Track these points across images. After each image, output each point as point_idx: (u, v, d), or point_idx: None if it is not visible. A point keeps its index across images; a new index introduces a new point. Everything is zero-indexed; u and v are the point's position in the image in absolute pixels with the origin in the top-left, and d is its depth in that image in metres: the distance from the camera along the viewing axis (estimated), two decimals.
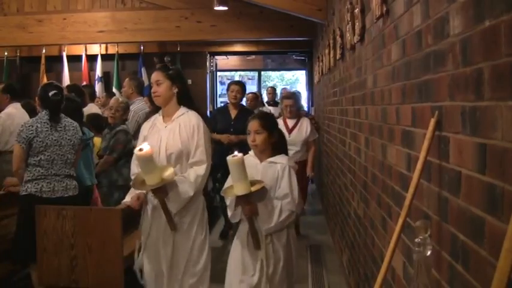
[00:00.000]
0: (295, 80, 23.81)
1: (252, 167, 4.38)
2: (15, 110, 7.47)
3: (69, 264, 5.11)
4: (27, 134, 5.24)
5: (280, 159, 4.43)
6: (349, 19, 5.22)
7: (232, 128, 8.17)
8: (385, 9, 3.57)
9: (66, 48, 13.78)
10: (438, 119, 2.38)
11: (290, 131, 8.27)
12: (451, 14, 2.22)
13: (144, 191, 4.56)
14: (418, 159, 2.46)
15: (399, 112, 3.25)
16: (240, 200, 4.20)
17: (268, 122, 4.49)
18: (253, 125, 4.44)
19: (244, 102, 9.94)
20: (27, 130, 5.25)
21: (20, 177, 5.36)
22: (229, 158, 4.15)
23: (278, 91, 16.13)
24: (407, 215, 2.54)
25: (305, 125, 8.38)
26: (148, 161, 4.27)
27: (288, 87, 17.22)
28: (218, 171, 7.83)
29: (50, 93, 5.48)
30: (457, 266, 2.15)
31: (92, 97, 10.33)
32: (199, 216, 4.72)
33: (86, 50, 13.92)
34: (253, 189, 4.13)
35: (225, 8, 10.42)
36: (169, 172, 4.41)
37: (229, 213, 4.46)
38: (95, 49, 13.90)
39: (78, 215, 5.12)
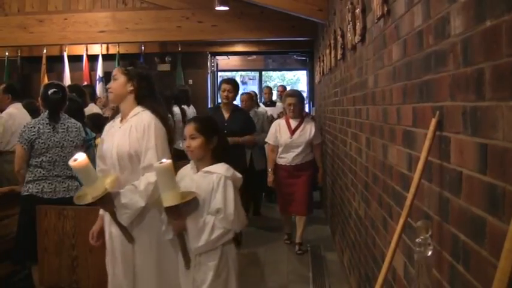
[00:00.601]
0: (296, 80, 23.82)
1: (188, 178, 4.05)
2: (16, 110, 7.47)
3: (70, 264, 5.11)
4: (29, 135, 5.24)
5: (218, 169, 3.95)
6: (350, 19, 5.23)
7: (225, 130, 7.23)
8: (386, 9, 3.57)
9: (67, 48, 13.79)
10: (439, 119, 2.38)
11: (292, 132, 7.89)
12: (452, 14, 2.22)
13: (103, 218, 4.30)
14: (419, 160, 2.46)
15: (400, 112, 3.25)
16: (168, 212, 3.80)
17: (206, 126, 4.07)
18: (188, 129, 4.07)
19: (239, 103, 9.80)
20: (29, 131, 5.25)
21: (22, 177, 5.37)
22: (155, 165, 3.79)
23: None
24: (408, 215, 2.54)
25: (309, 127, 7.92)
26: (85, 171, 3.88)
27: (284, 85, 16.59)
28: None
29: (49, 92, 5.49)
30: (458, 266, 2.15)
31: (93, 97, 10.34)
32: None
33: (86, 50, 13.92)
34: (182, 200, 3.77)
35: (226, 8, 10.41)
36: (110, 180, 4.01)
37: (162, 228, 4.01)
38: (96, 49, 13.91)
39: (79, 215, 5.12)
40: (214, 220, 3.81)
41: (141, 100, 4.30)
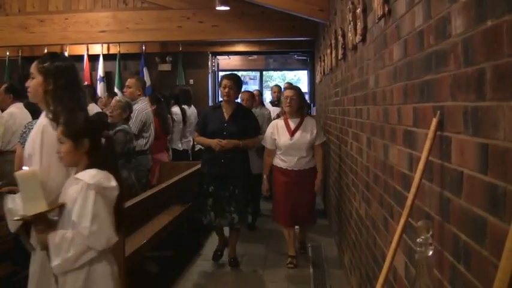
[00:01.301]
0: (297, 80, 23.82)
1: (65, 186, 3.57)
2: (17, 110, 7.48)
3: None
4: None
5: (84, 175, 3.41)
6: (350, 19, 5.22)
7: (224, 131, 6.95)
8: (387, 9, 3.57)
9: (68, 48, 13.81)
10: (440, 119, 2.38)
11: (292, 132, 7.11)
12: (452, 14, 2.22)
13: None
14: (419, 159, 2.46)
15: (401, 112, 3.24)
16: (34, 224, 3.48)
17: (72, 128, 3.51)
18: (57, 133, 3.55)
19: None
20: (30, 132, 5.24)
21: None
22: (17, 172, 3.48)
23: None
24: (409, 215, 2.54)
25: (310, 126, 7.15)
26: (29, 183, 3.48)
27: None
28: (210, 184, 6.97)
29: None
30: (459, 266, 2.15)
31: (93, 97, 10.36)
32: None
33: (87, 50, 13.96)
34: (40, 210, 3.38)
35: (227, 8, 10.41)
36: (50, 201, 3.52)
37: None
38: (97, 49, 13.94)
39: None
40: (74, 235, 3.33)
41: (56, 100, 3.87)
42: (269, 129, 7.37)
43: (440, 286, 2.39)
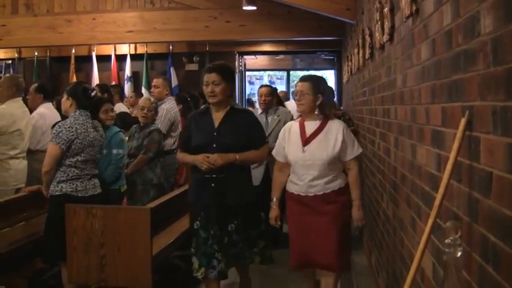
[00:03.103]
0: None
1: None
2: (47, 110, 7.55)
3: (99, 263, 5.15)
4: (68, 135, 5.26)
5: None
6: (378, 18, 5.20)
7: (214, 142, 4.96)
8: (414, 8, 3.55)
9: (95, 48, 13.92)
10: (469, 118, 2.36)
11: (306, 140, 4.99)
12: (481, 13, 2.20)
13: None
14: (448, 160, 2.44)
15: (429, 112, 3.22)
16: None
17: None
18: None
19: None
20: (68, 132, 5.27)
21: (51, 177, 5.39)
22: None
23: None
24: (437, 216, 2.52)
25: (335, 132, 4.95)
26: None
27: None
28: (195, 217, 5.08)
29: (92, 93, 5.57)
30: (488, 268, 2.13)
31: (121, 97, 10.43)
32: None
33: (115, 50, 14.04)
34: None
35: (254, 8, 10.43)
36: None
37: None
38: (124, 49, 14.01)
39: (107, 214, 5.16)
40: None
41: None
42: (281, 134, 5.30)
43: (468, 287, 2.38)
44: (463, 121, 2.37)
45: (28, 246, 5.62)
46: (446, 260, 2.29)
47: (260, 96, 7.84)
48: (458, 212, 2.55)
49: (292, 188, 5.06)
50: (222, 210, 4.94)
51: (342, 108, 11.79)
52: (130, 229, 5.13)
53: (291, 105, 9.66)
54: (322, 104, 5.02)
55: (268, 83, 14.32)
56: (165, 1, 12.04)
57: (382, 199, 5.46)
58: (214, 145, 4.93)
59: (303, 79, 5.16)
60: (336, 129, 4.99)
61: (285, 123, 6.33)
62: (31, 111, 7.44)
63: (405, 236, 4.08)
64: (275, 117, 7.68)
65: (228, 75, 5.11)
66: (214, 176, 4.89)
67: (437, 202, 2.47)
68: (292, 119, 7.45)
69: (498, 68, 2.02)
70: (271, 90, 8.08)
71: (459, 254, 2.24)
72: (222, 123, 5.02)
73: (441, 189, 2.45)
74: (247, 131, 5.06)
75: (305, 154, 4.94)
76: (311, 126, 5.04)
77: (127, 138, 6.91)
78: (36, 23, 11.97)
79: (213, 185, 4.93)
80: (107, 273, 5.16)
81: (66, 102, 5.54)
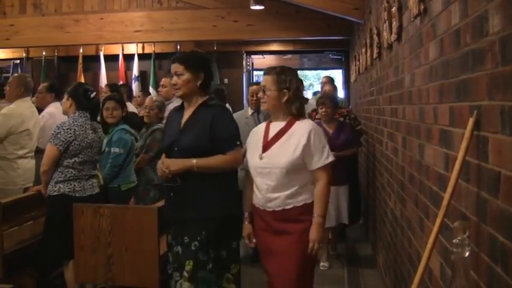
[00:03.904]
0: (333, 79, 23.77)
1: None
2: (56, 110, 7.54)
3: (106, 262, 5.15)
4: (66, 137, 5.27)
5: None
6: (386, 18, 5.20)
7: (176, 145, 4.29)
8: (422, 7, 3.54)
9: (103, 48, 13.92)
10: (477, 118, 2.36)
11: (266, 146, 4.22)
12: (490, 12, 2.19)
13: None
14: (456, 159, 2.44)
15: (437, 112, 3.22)
16: None
17: None
18: None
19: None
20: (66, 133, 5.28)
21: (49, 177, 5.40)
22: None
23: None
24: (445, 216, 2.52)
25: (300, 135, 4.11)
26: None
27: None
28: (168, 231, 4.50)
29: (91, 95, 5.57)
30: (496, 268, 2.12)
31: (129, 96, 10.43)
32: None
33: (122, 50, 14.03)
34: None
35: (262, 8, 10.42)
36: None
37: None
38: (132, 48, 14.01)
39: (115, 213, 5.16)
40: None
41: None
42: (249, 138, 4.50)
43: (476, 287, 2.37)
44: (471, 121, 2.37)
45: (36, 246, 5.62)
46: (454, 260, 2.28)
47: (251, 95, 7.01)
48: (466, 212, 2.55)
49: (255, 199, 4.29)
50: (180, 224, 4.28)
51: (350, 107, 11.64)
52: (137, 228, 5.13)
53: None
54: (289, 100, 4.17)
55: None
56: (173, 1, 12.04)
57: (390, 199, 5.45)
58: (175, 148, 4.28)
59: (266, 72, 4.35)
60: (301, 131, 4.11)
61: None
62: (39, 111, 7.44)
63: (413, 236, 4.08)
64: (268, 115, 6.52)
65: (193, 64, 4.33)
66: (172, 185, 4.24)
67: (445, 202, 2.46)
68: None
69: (506, 68, 2.01)
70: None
71: (467, 254, 2.24)
72: (188, 123, 4.33)
73: (449, 189, 2.45)
74: (210, 132, 4.22)
75: (263, 160, 4.13)
76: (275, 128, 4.24)
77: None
78: (44, 23, 11.98)
79: (171, 194, 4.31)
80: (114, 273, 5.16)
81: (66, 102, 5.54)
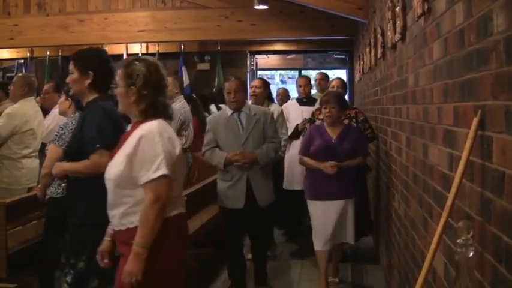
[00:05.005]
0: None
1: None
2: None
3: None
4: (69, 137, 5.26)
5: None
6: (390, 17, 5.19)
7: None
8: (426, 7, 3.54)
9: (107, 48, 13.92)
10: (481, 118, 2.35)
11: (113, 154, 3.61)
12: (494, 12, 2.19)
13: None
14: (460, 159, 2.44)
15: (441, 111, 3.21)
16: None
17: None
18: None
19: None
20: (70, 133, 5.27)
21: (49, 181, 5.36)
22: None
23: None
24: (449, 216, 2.52)
25: (132, 140, 3.44)
26: None
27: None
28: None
29: None
30: (500, 268, 2.12)
31: None
32: None
33: (126, 50, 14.04)
34: None
35: (265, 7, 10.42)
36: None
37: None
38: (136, 48, 14.03)
39: None
40: None
41: None
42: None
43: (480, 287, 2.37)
44: (475, 121, 2.37)
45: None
46: (459, 260, 2.28)
47: (228, 93, 5.89)
48: (471, 211, 2.55)
49: None
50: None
51: (355, 107, 11.26)
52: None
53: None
54: (136, 100, 3.48)
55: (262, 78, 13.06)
56: (177, 1, 12.04)
57: (394, 199, 5.44)
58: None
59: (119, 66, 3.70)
60: (138, 134, 3.42)
61: (264, 122, 5.85)
62: (45, 111, 7.43)
63: (417, 236, 4.07)
64: (252, 115, 5.89)
65: (81, 63, 4.21)
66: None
67: (449, 202, 2.46)
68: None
69: (511, 68, 2.01)
70: (264, 83, 7.49)
71: (471, 254, 2.24)
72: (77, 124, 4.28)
73: (453, 189, 2.45)
74: (79, 134, 4.13)
75: (106, 171, 3.54)
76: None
77: None
78: (48, 23, 12.00)
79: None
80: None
81: (64, 103, 5.48)
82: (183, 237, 3.63)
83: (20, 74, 8.89)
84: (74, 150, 4.10)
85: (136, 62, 3.52)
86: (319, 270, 6.15)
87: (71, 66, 4.19)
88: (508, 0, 2.04)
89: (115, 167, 3.41)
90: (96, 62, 4.17)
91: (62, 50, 14.05)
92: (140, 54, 13.83)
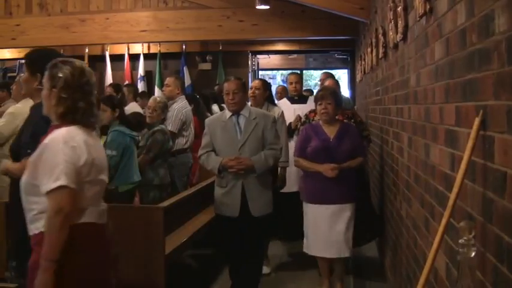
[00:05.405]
0: (337, 79, 23.74)
1: None
2: None
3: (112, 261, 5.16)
4: None
5: None
6: (391, 17, 5.19)
7: None
8: (428, 7, 3.54)
9: (108, 48, 13.96)
10: (483, 118, 2.35)
11: None
12: (496, 12, 2.19)
13: None
14: (462, 159, 2.43)
15: (443, 111, 3.21)
16: None
17: None
18: None
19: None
20: None
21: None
22: None
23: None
24: (451, 216, 2.51)
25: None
26: None
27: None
28: None
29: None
30: (502, 268, 2.12)
31: (135, 96, 10.45)
32: None
33: (128, 50, 14.07)
34: None
35: (267, 7, 10.42)
36: None
37: None
38: (138, 48, 14.05)
39: (120, 213, 5.16)
40: None
41: None
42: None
43: None
44: (477, 120, 2.36)
45: None
46: (460, 260, 2.27)
47: (226, 94, 5.50)
48: (472, 212, 2.54)
49: None
50: None
51: (355, 107, 11.31)
52: (143, 228, 5.14)
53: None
54: (55, 103, 3.37)
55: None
56: (178, 0, 12.04)
57: (396, 199, 5.44)
58: None
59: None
60: (44, 142, 3.32)
61: (264, 127, 5.46)
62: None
63: (418, 236, 4.07)
64: (251, 119, 5.51)
65: (31, 63, 4.19)
66: None
67: (451, 202, 2.46)
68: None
69: None
70: (264, 83, 7.07)
71: (473, 254, 2.23)
72: None
73: (455, 189, 2.44)
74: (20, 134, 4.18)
75: None
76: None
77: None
78: (49, 23, 12.00)
79: None
80: (120, 272, 5.17)
81: None
82: (97, 253, 3.42)
83: (22, 74, 8.90)
84: (14, 151, 4.09)
85: (61, 64, 3.42)
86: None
87: (24, 66, 4.10)
88: (509, 0, 2.04)
89: (24, 173, 3.33)
90: (44, 65, 3.67)
91: (64, 50, 14.01)
92: (142, 55, 13.87)
